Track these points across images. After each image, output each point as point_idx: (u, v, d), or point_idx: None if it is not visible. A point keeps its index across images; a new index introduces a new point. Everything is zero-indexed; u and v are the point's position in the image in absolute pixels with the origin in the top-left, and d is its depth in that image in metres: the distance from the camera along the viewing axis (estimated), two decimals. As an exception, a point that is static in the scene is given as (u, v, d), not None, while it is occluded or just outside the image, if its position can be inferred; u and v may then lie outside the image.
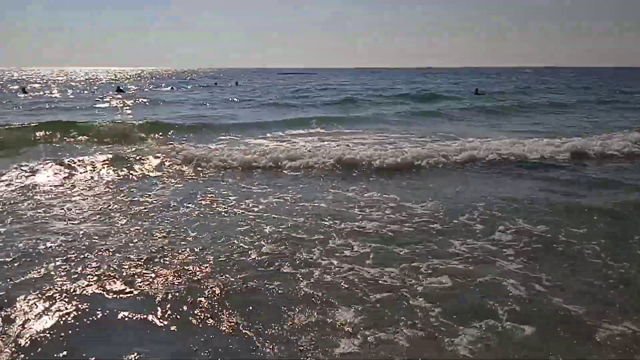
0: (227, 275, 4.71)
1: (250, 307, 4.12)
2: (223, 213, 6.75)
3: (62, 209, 6.86)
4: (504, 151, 10.85)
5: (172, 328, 3.82)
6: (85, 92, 38.97)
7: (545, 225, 6.16)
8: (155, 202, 7.32)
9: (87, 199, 7.42)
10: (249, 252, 5.29)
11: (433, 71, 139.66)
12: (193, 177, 9.06)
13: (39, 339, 3.64)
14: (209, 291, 4.39)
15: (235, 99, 29.95)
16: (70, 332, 3.76)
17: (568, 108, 24.75)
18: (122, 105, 25.93)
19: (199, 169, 9.69)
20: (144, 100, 29.10)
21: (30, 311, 4.02)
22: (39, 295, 4.26)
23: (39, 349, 3.53)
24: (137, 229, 6.02)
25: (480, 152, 10.68)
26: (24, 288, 4.39)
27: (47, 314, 3.97)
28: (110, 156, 10.35)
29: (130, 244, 5.50)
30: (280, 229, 5.99)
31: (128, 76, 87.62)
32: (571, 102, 27.18)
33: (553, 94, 34.23)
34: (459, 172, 9.61)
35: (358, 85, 47.92)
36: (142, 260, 5.04)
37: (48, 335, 3.71)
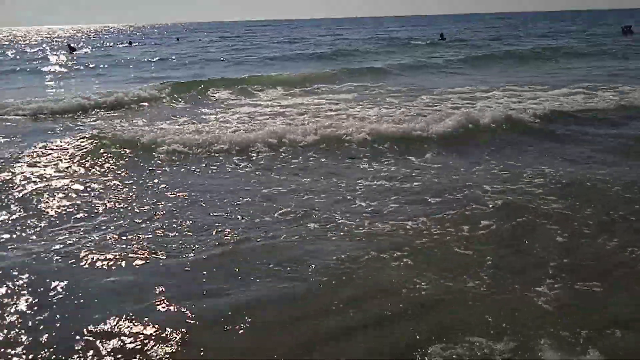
0: (258, 233, 4.50)
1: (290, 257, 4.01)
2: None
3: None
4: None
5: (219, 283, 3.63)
6: (32, 51, 35.73)
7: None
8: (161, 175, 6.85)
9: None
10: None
11: (407, 19, 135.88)
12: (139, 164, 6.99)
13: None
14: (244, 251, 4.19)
15: (202, 56, 27.72)
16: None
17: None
18: (68, 67, 23.40)
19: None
20: (97, 59, 26.66)
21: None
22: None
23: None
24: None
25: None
26: None
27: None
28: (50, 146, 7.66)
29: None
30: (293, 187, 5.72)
31: (85, 33, 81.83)
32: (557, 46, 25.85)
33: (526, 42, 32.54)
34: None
35: (330, 36, 45.64)
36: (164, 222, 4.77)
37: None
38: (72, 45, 38.44)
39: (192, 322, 3.23)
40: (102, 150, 7.42)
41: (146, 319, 3.24)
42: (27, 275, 3.84)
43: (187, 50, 33.58)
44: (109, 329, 3.16)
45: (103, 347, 3.00)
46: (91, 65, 23.86)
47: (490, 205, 4.94)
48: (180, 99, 12.90)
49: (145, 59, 26.69)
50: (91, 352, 2.96)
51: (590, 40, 29.82)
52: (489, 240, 4.23)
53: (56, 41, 54.55)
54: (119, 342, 3.03)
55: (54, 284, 3.71)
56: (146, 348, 2.97)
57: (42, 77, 19.87)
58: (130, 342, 3.03)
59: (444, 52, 25.17)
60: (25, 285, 3.71)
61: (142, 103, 12.35)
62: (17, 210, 5.21)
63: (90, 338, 3.09)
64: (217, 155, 7.21)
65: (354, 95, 12.90)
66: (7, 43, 54.63)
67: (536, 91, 12.27)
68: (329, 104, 11.42)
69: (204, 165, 6.83)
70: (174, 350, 2.97)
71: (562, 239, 4.19)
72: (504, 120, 8.40)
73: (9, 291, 3.63)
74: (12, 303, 3.49)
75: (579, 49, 24.23)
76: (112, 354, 2.95)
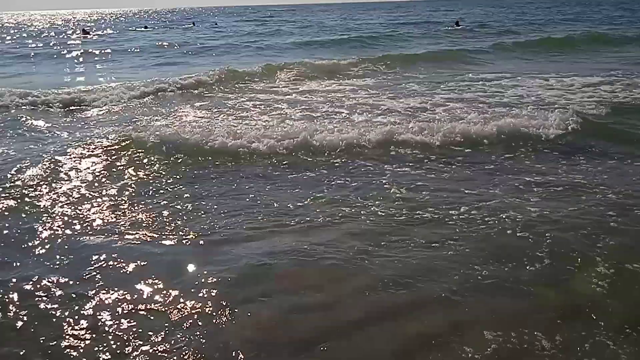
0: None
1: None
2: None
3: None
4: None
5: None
6: (44, 35, 35.71)
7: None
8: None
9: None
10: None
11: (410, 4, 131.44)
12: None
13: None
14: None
15: (223, 41, 27.13)
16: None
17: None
18: (82, 51, 22.81)
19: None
20: (112, 44, 26.49)
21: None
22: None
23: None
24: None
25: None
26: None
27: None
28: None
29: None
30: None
31: (105, 17, 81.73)
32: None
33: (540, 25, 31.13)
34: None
35: (350, 21, 44.78)
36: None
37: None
38: (85, 29, 38.48)
39: (221, 304, 3.27)
40: (140, 149, 6.70)
41: (157, 305, 3.31)
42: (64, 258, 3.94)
43: (204, 34, 33.20)
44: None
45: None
46: (106, 51, 23.47)
47: (535, 193, 4.88)
48: (210, 89, 12.12)
49: (161, 44, 26.24)
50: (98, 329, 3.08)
51: (614, 25, 28.85)
52: (542, 224, 4.17)
53: (72, 25, 54.56)
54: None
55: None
56: (148, 335, 3.00)
57: (57, 63, 19.43)
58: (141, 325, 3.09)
59: (464, 38, 24.54)
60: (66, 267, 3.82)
61: (157, 93, 11.58)
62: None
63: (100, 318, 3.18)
64: (246, 146, 6.63)
65: (379, 82, 12.65)
66: (23, 26, 54.91)
67: (567, 79, 11.78)
68: (360, 94, 10.89)
69: (236, 157, 6.44)
70: (186, 337, 2.97)
71: (615, 224, 4.15)
72: (537, 111, 7.93)
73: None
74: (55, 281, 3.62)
75: (604, 34, 23.41)
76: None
